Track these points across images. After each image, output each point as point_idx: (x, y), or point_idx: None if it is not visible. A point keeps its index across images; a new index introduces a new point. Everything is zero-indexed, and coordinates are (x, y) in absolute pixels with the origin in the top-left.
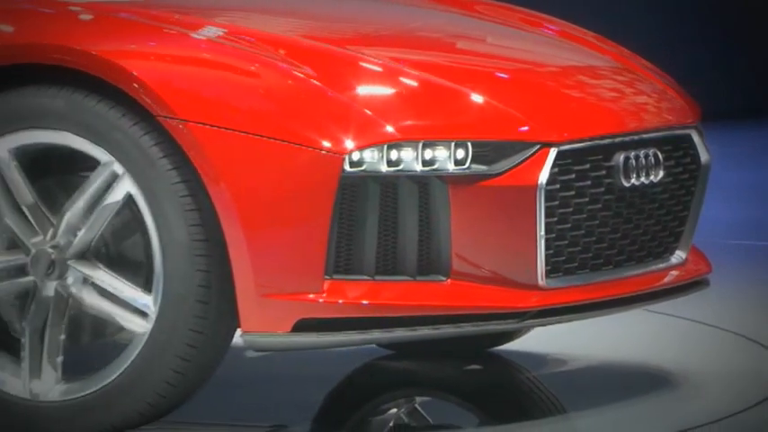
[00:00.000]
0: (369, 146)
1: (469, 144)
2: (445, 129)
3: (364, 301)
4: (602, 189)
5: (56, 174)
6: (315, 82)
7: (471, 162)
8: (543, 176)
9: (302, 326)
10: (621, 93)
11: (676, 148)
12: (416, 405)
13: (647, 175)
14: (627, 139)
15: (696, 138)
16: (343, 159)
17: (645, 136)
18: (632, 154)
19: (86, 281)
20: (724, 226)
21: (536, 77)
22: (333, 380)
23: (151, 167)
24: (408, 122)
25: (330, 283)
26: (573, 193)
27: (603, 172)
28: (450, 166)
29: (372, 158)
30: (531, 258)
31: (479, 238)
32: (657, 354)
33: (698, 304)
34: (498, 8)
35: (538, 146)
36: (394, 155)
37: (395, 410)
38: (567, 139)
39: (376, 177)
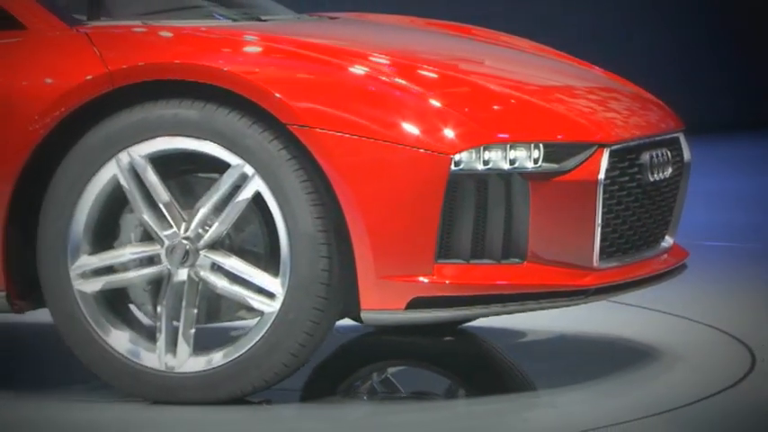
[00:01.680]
0: (468, 148)
1: (542, 145)
2: (524, 132)
3: (465, 282)
4: (635, 184)
5: (174, 175)
6: (424, 94)
7: (543, 161)
8: (602, 173)
9: (415, 303)
10: (635, 103)
11: (674, 149)
12: (389, 375)
13: (663, 171)
14: (648, 140)
15: (683, 139)
16: (451, 160)
17: (657, 138)
18: (654, 153)
19: (214, 267)
20: (721, 229)
21: (579, 91)
22: (322, 353)
23: (279, 168)
24: (497, 128)
25: (438, 266)
26: (617, 187)
27: (636, 169)
28: (530, 165)
29: (470, 159)
30: (589, 243)
31: (550, 226)
32: (625, 339)
33: (678, 299)
34: (509, 38)
35: (596, 146)
36: (487, 155)
37: (370, 381)
38: (615, 141)
39: (472, 175)
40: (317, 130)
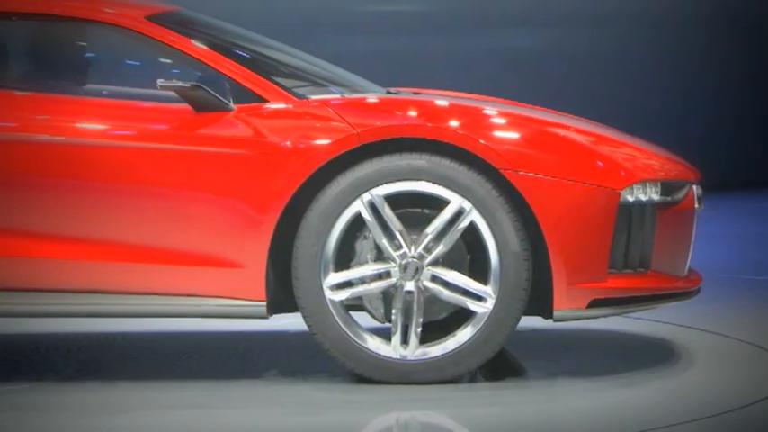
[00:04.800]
0: (627, 186)
1: (660, 183)
2: (652, 173)
3: (624, 286)
4: (695, 212)
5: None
6: (592, 147)
7: (661, 195)
8: (697, 203)
9: (593, 304)
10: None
11: None
12: None
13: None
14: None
15: None
16: (620, 194)
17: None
18: (700, 190)
19: (434, 278)
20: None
21: (644, 143)
22: None
23: (493, 203)
24: (639, 170)
25: (609, 275)
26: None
27: (697, 201)
28: (656, 197)
29: (625, 193)
30: (686, 257)
31: (666, 243)
32: (659, 351)
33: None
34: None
35: (689, 183)
36: (635, 191)
37: None
38: (696, 179)
39: (626, 206)
40: (523, 173)
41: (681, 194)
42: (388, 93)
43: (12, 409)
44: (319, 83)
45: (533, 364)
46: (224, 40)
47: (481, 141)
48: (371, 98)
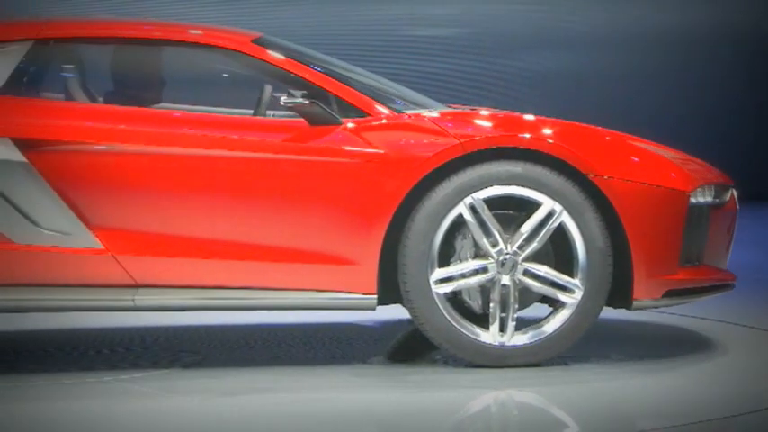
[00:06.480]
0: (694, 189)
1: (714, 186)
2: (707, 178)
3: (691, 278)
4: (737, 213)
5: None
6: (662, 155)
7: (713, 197)
8: (737, 205)
9: (667, 294)
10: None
11: None
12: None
13: None
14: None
15: None
16: (689, 196)
17: None
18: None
19: (526, 272)
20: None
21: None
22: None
23: (580, 204)
24: (698, 175)
25: (680, 269)
26: None
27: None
28: (710, 199)
29: (691, 196)
30: (727, 252)
31: (715, 240)
32: (696, 347)
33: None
34: None
35: (731, 187)
36: (697, 193)
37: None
38: (733, 183)
39: (692, 207)
40: (607, 178)
41: (727, 197)
42: (450, 108)
43: (137, 395)
44: (390, 98)
45: (598, 350)
46: (313, 61)
47: (572, 150)
48: (464, 113)
